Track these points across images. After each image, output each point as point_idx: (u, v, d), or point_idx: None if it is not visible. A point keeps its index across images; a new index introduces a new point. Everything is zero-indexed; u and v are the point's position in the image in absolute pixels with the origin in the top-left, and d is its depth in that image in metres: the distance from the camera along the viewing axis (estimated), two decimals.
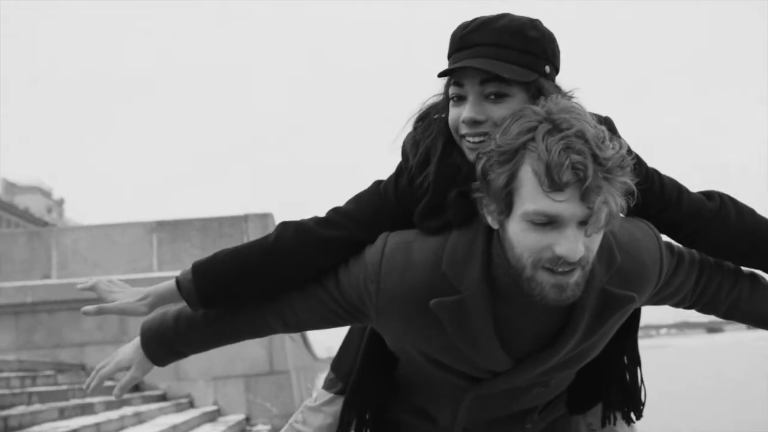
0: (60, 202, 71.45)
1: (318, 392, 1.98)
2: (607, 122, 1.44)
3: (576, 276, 1.22)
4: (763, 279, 1.58)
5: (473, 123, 1.34)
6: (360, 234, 1.46)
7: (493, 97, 1.33)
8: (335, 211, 1.51)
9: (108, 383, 6.28)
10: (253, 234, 9.73)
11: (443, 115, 1.43)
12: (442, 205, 1.38)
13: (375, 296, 1.37)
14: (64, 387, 6.93)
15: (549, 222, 1.18)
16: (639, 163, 1.47)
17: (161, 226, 9.73)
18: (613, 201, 1.19)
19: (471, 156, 1.36)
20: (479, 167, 1.27)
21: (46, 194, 67.97)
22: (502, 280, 1.31)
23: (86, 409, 6.45)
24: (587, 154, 1.15)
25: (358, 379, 1.66)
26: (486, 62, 1.30)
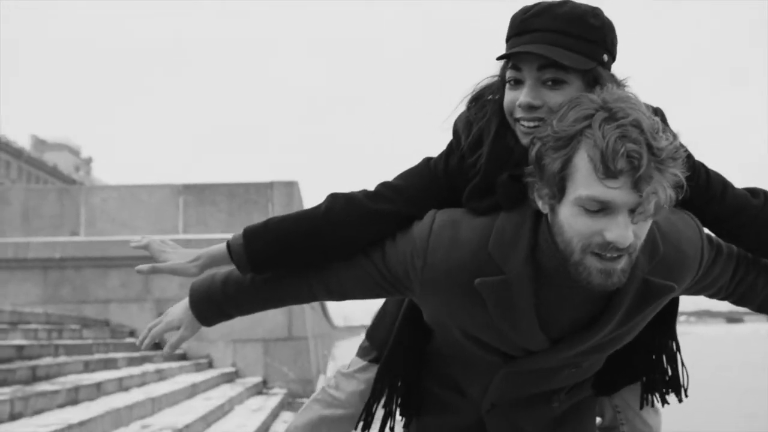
0: (88, 161, 72.13)
1: (352, 359, 2.03)
2: (658, 113, 1.45)
3: (623, 263, 1.25)
4: None
5: (529, 108, 1.34)
6: (409, 209, 1.48)
7: (550, 83, 1.34)
8: (384, 186, 1.53)
9: (129, 339, 6.38)
10: (278, 201, 9.82)
11: (497, 97, 1.44)
12: (491, 187, 1.40)
13: (421, 271, 1.40)
14: (89, 341, 7.10)
15: (601, 208, 1.20)
16: (688, 155, 1.47)
17: (188, 189, 9.85)
18: (663, 191, 1.21)
19: (525, 140, 1.37)
20: (534, 151, 1.29)
21: (75, 152, 68.62)
22: (546, 264, 1.34)
23: (109, 364, 6.60)
24: (642, 144, 1.18)
25: (392, 349, 1.70)
26: (546, 48, 1.31)
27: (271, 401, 7.88)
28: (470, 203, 1.43)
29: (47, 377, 5.27)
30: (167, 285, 9.40)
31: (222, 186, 9.95)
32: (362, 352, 1.97)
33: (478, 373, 1.56)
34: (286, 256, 1.53)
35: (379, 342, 1.87)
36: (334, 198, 1.52)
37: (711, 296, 1.61)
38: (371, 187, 1.55)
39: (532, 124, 1.35)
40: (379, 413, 1.81)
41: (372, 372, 1.88)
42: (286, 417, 7.66)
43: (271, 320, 9.08)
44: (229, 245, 1.55)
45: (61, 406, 4.64)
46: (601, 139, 1.18)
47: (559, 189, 1.24)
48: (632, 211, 1.21)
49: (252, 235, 1.53)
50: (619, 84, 1.40)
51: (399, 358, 1.70)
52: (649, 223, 1.27)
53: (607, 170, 1.17)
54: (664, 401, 1.76)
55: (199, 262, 1.59)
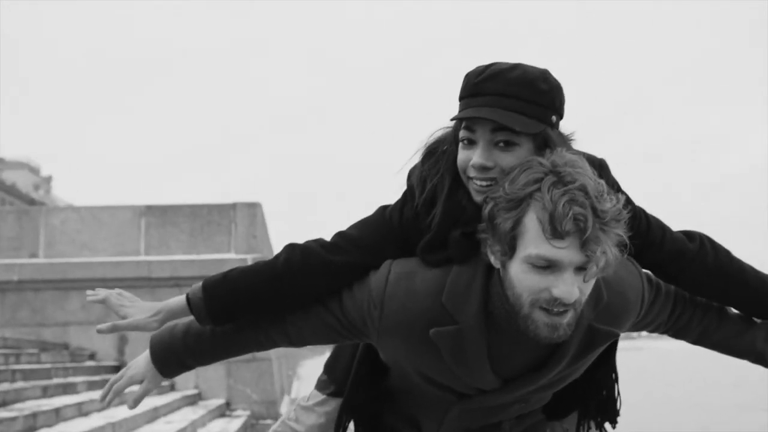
0: (48, 180, 70.96)
1: (311, 393, 2.08)
2: (601, 166, 1.55)
3: (568, 317, 1.33)
4: (731, 312, 1.70)
5: (482, 168, 1.42)
6: (365, 259, 1.53)
7: (502, 144, 1.41)
8: (340, 236, 1.58)
9: (89, 363, 6.30)
10: (241, 222, 9.80)
11: (450, 153, 1.51)
12: (445, 242, 1.46)
13: (378, 321, 1.47)
14: (48, 365, 7.01)
15: (549, 266, 1.28)
16: (630, 204, 1.55)
17: (150, 210, 9.79)
18: (609, 251, 1.29)
19: (477, 198, 1.45)
20: (486, 211, 1.36)
21: (34, 171, 67.50)
22: (497, 314, 1.42)
23: (68, 389, 6.52)
24: (588, 207, 1.26)
25: (353, 385, 1.76)
26: (499, 113, 1.37)
27: (233, 424, 7.83)
28: (425, 256, 1.49)
29: (4, 404, 5.19)
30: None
31: (184, 207, 9.90)
32: (321, 386, 2.02)
33: (433, 409, 1.63)
34: (245, 307, 1.57)
35: (337, 377, 1.92)
36: (291, 249, 1.56)
37: (651, 331, 1.71)
38: (328, 238, 1.59)
39: (485, 183, 1.42)
40: None
41: (330, 405, 1.93)
42: None
43: None
44: (188, 298, 1.58)
45: None
46: (550, 203, 1.26)
47: (510, 247, 1.32)
48: (580, 270, 1.29)
49: (211, 287, 1.57)
50: (566, 140, 1.48)
51: (360, 394, 1.76)
52: (594, 280, 1.35)
53: (554, 231, 1.26)
54: (600, 428, 1.84)
55: (160, 316, 1.62)
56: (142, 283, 9.37)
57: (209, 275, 1.61)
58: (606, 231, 1.28)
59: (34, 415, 4.84)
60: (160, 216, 9.77)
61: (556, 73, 1.46)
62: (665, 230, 1.63)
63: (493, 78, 1.41)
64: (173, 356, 1.62)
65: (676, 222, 1.65)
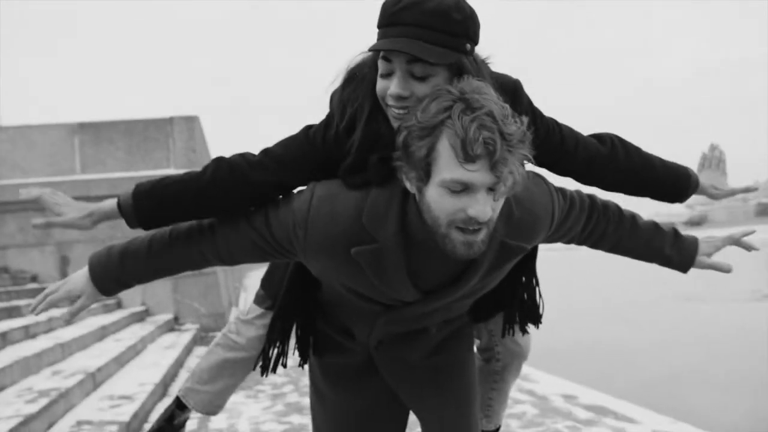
0: None
1: (250, 307, 2.18)
2: (515, 87, 1.64)
3: (482, 234, 1.42)
4: (641, 220, 1.84)
5: (399, 98, 1.47)
6: (286, 177, 1.60)
7: (418, 75, 1.46)
8: (266, 154, 1.62)
9: (32, 285, 6.26)
10: (179, 137, 9.64)
11: (370, 78, 1.56)
12: (364, 165, 1.53)
13: (303, 240, 1.54)
14: None
15: (463, 189, 1.36)
16: (541, 119, 1.69)
17: (83, 128, 9.53)
18: (516, 171, 1.38)
19: (395, 124, 1.51)
20: (400, 139, 1.42)
21: None
22: (414, 232, 1.51)
23: (13, 312, 6.48)
24: (495, 131, 1.33)
25: (284, 298, 1.85)
26: (414, 45, 1.42)
27: (183, 337, 7.95)
28: (346, 178, 1.56)
29: None
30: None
31: (119, 123, 9.66)
32: (258, 300, 2.14)
33: (362, 318, 1.75)
34: (172, 216, 1.63)
35: (273, 291, 2.04)
36: (218, 164, 1.61)
37: (566, 243, 1.82)
38: (255, 153, 1.64)
39: (402, 111, 1.48)
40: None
41: (268, 318, 2.03)
42: (199, 352, 7.76)
43: None
44: (119, 202, 1.63)
45: None
46: (461, 129, 1.33)
47: (425, 173, 1.39)
48: (491, 190, 1.38)
49: (141, 194, 1.62)
50: (481, 66, 1.54)
51: (290, 306, 1.85)
52: (504, 198, 1.44)
53: (467, 156, 1.33)
54: (523, 330, 2.00)
55: (93, 217, 1.66)
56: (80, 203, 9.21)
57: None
58: (512, 152, 1.36)
59: None
60: (94, 133, 9.53)
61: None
62: (578, 139, 1.75)
63: (409, 8, 1.44)
64: (111, 276, 1.66)
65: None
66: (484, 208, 1.37)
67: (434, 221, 1.42)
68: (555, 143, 1.70)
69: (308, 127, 1.66)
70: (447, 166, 1.35)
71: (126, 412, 4.16)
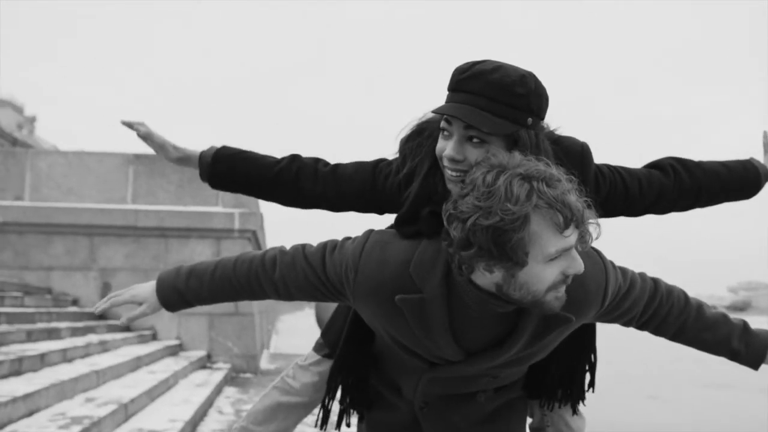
0: (32, 120, 69.99)
1: (308, 353, 2.22)
2: (582, 150, 1.69)
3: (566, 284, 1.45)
4: (709, 309, 1.77)
5: (453, 161, 1.54)
6: (341, 204, 1.79)
7: (475, 140, 1.52)
8: (334, 171, 1.79)
9: (72, 308, 6.30)
10: None
11: (434, 137, 1.63)
12: (416, 217, 1.60)
13: (353, 283, 1.58)
14: (31, 309, 7.01)
15: (560, 255, 1.39)
16: (603, 176, 1.73)
17: (139, 159, 9.72)
18: (594, 225, 1.44)
19: (449, 184, 1.57)
20: (489, 236, 1.36)
21: (18, 110, 66.47)
22: (459, 288, 1.51)
23: (53, 334, 6.55)
24: (571, 194, 1.38)
25: (343, 348, 1.89)
26: (472, 113, 1.49)
27: (215, 376, 7.91)
28: (399, 227, 1.63)
29: None
30: (113, 255, 9.31)
31: None
32: (317, 347, 2.18)
33: (409, 375, 1.74)
34: (237, 186, 1.86)
35: (331, 340, 2.07)
36: (292, 160, 1.81)
37: (625, 325, 1.77)
38: (328, 162, 1.82)
39: (455, 174, 1.54)
40: (336, 409, 1.95)
41: (324, 366, 2.09)
42: (230, 392, 7.70)
43: None
44: (202, 154, 1.86)
45: (5, 376, 4.61)
46: (556, 203, 1.35)
47: (524, 257, 1.37)
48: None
49: (221, 158, 1.84)
50: (542, 138, 1.57)
51: (349, 357, 1.89)
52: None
53: (566, 225, 1.36)
54: (574, 409, 1.98)
55: (179, 153, 1.89)
56: (128, 232, 9.36)
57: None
58: (588, 208, 1.42)
59: (20, 360, 4.87)
60: (149, 165, 9.71)
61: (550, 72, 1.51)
62: (640, 179, 1.80)
63: (475, 77, 1.51)
64: (175, 293, 1.75)
65: None
66: (580, 263, 1.40)
67: (532, 294, 1.42)
68: (620, 193, 1.77)
69: (380, 161, 1.78)
70: (549, 242, 1.36)
71: None
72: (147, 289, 1.77)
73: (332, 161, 1.84)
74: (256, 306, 10.08)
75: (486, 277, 1.42)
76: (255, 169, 1.81)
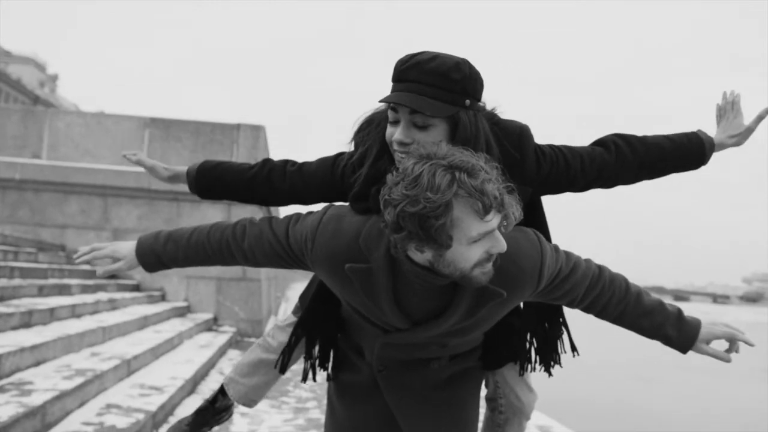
0: (54, 78, 70.33)
1: (288, 315, 2.42)
2: (521, 131, 1.82)
3: (492, 262, 1.57)
4: (647, 297, 1.88)
5: (402, 144, 1.69)
6: (307, 196, 2.00)
7: (419, 124, 1.67)
8: (300, 169, 1.99)
9: (84, 267, 6.49)
10: (244, 143, 9.90)
11: (383, 124, 1.79)
12: (367, 195, 1.75)
13: (311, 252, 1.74)
14: (44, 265, 7.20)
15: (483, 236, 1.51)
16: (543, 155, 1.85)
17: (154, 122, 9.87)
18: (514, 207, 1.53)
19: (399, 165, 1.66)
20: (415, 221, 1.50)
21: (41, 68, 66.79)
22: (400, 262, 1.64)
23: (63, 290, 6.74)
24: (493, 182, 1.50)
25: (308, 309, 2.09)
26: (414, 99, 1.64)
27: (219, 338, 8.10)
28: (353, 204, 1.79)
29: (2, 299, 5.39)
30: (126, 216, 9.50)
31: (189, 123, 9.98)
32: (295, 310, 2.41)
33: (369, 339, 1.90)
34: (221, 194, 2.08)
35: (305, 303, 2.19)
36: (263, 164, 2.03)
37: (568, 305, 1.90)
38: (296, 162, 2.02)
39: (404, 156, 1.67)
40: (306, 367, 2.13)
41: None
42: (233, 355, 7.89)
43: None
44: (188, 171, 2.10)
45: (15, 328, 4.79)
46: (475, 192, 1.46)
47: (448, 240, 1.50)
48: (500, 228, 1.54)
49: (204, 171, 2.08)
50: (481, 117, 1.72)
51: (312, 317, 2.09)
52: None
53: (486, 211, 1.48)
54: (548, 370, 2.11)
55: (169, 172, 2.18)
56: (142, 194, 9.53)
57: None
58: (509, 193, 1.53)
59: (30, 313, 5.06)
60: (164, 129, 9.86)
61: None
62: (582, 156, 1.91)
63: (414, 67, 1.66)
64: (154, 252, 1.92)
65: None
66: (503, 243, 1.52)
67: (460, 270, 1.55)
68: (562, 170, 1.88)
69: (339, 154, 1.96)
70: (471, 226, 1.48)
71: (154, 402, 4.30)
72: (127, 247, 1.94)
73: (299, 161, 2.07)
74: (264, 272, 10.25)
75: (418, 255, 1.56)
76: (232, 175, 2.05)
